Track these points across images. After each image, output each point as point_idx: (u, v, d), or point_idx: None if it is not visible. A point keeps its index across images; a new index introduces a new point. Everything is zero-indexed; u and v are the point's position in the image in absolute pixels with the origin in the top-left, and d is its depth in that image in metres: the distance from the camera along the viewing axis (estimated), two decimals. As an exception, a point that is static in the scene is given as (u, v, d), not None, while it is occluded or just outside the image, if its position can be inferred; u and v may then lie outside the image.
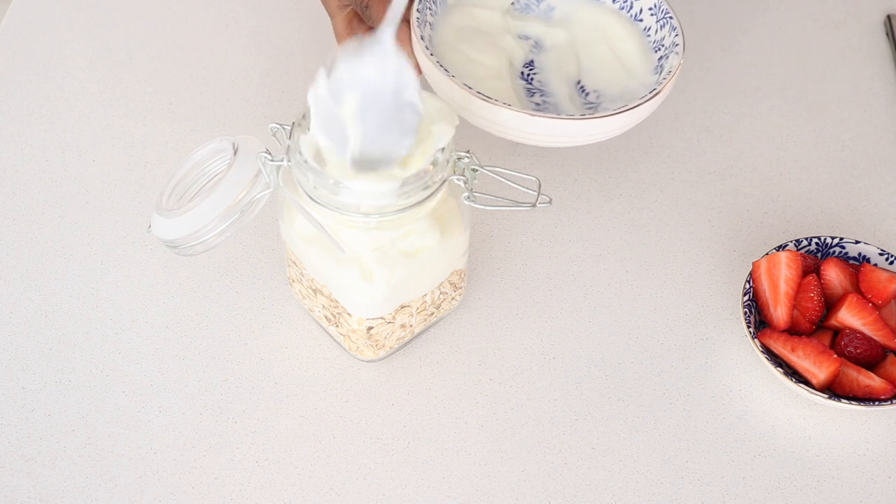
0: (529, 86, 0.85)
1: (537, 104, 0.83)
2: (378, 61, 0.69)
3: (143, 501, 0.74)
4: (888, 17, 1.05)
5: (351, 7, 0.85)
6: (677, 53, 0.83)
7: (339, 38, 0.86)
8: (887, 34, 1.04)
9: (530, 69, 0.86)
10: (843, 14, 1.06)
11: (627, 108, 0.79)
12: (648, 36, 0.86)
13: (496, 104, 0.77)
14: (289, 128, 0.73)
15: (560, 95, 0.84)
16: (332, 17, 0.86)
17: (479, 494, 0.76)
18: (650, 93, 0.80)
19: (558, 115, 0.79)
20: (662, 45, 0.85)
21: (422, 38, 0.81)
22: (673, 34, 0.84)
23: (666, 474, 0.77)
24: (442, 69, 0.79)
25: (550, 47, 0.87)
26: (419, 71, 0.81)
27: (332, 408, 0.79)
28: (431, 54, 0.80)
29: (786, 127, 0.97)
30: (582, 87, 0.85)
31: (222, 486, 0.75)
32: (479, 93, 0.77)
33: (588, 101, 0.84)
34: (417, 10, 0.82)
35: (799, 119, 0.97)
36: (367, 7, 0.83)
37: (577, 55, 0.87)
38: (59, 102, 0.95)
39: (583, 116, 0.78)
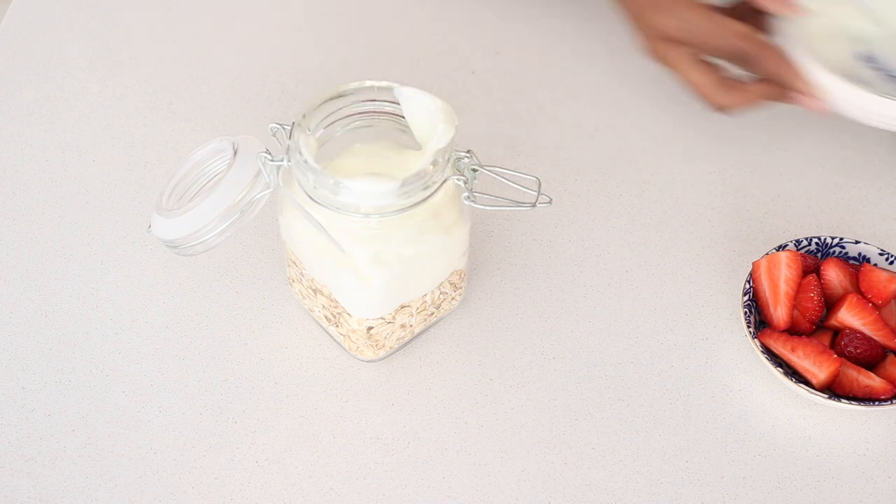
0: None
1: None
2: None
3: (143, 501, 0.74)
4: (888, 17, 1.05)
5: (712, 66, 0.83)
6: None
7: (709, 95, 0.84)
8: (888, 34, 1.04)
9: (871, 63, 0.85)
10: (843, 14, 1.06)
11: None
12: None
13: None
14: (289, 128, 0.73)
15: None
16: (684, 71, 0.84)
17: (479, 494, 0.76)
18: None
19: None
20: None
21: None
22: None
23: (666, 474, 0.77)
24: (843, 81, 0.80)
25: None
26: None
27: (332, 408, 0.79)
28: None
29: (786, 127, 0.97)
30: None
31: (222, 486, 0.75)
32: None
33: None
34: None
35: (799, 119, 0.97)
36: (748, 58, 0.82)
37: None
38: (59, 102, 0.95)
39: None
